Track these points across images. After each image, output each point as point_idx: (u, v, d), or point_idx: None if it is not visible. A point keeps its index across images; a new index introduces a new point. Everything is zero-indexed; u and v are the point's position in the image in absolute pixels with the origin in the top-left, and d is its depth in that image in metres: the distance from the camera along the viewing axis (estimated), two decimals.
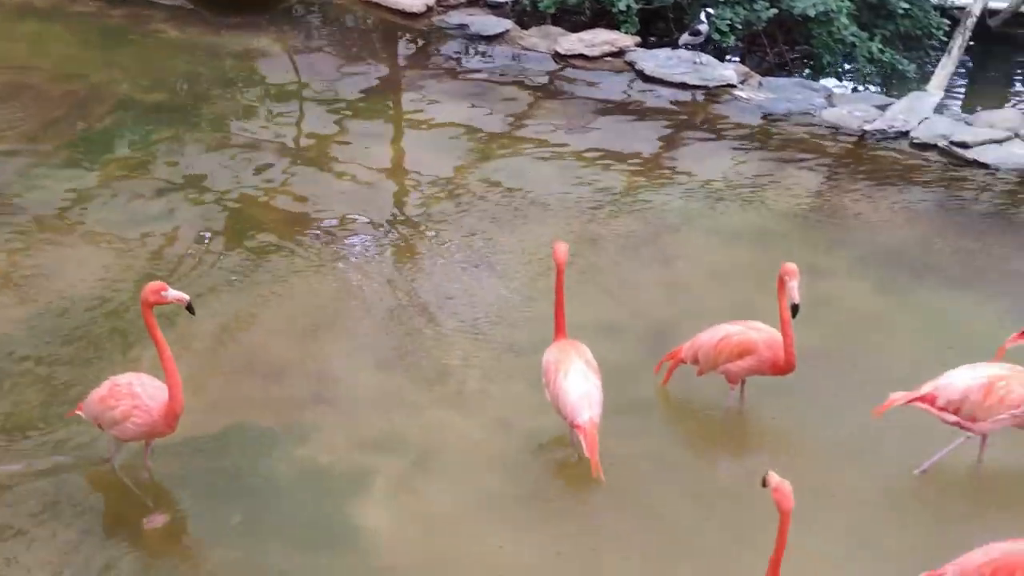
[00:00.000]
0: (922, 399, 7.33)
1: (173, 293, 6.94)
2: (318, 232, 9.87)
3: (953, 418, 7.29)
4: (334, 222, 10.03)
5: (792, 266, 7.42)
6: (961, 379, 7.29)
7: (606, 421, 7.32)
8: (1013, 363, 7.39)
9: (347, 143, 11.30)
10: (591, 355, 7.62)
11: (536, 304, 8.95)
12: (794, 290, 7.37)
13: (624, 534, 7.10)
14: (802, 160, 10.95)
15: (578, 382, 7.40)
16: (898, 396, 7.36)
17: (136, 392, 7.06)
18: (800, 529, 7.04)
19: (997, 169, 10.59)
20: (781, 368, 7.66)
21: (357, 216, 10.11)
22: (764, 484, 6.05)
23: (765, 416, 7.97)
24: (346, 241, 9.81)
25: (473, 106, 11.87)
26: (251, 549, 6.92)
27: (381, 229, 9.98)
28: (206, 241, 9.66)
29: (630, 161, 10.96)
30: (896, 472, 7.48)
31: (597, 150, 11.13)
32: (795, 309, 7.41)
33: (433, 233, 9.89)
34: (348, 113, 11.85)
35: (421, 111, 11.88)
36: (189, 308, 7.01)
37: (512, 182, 10.63)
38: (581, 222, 9.99)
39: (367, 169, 10.85)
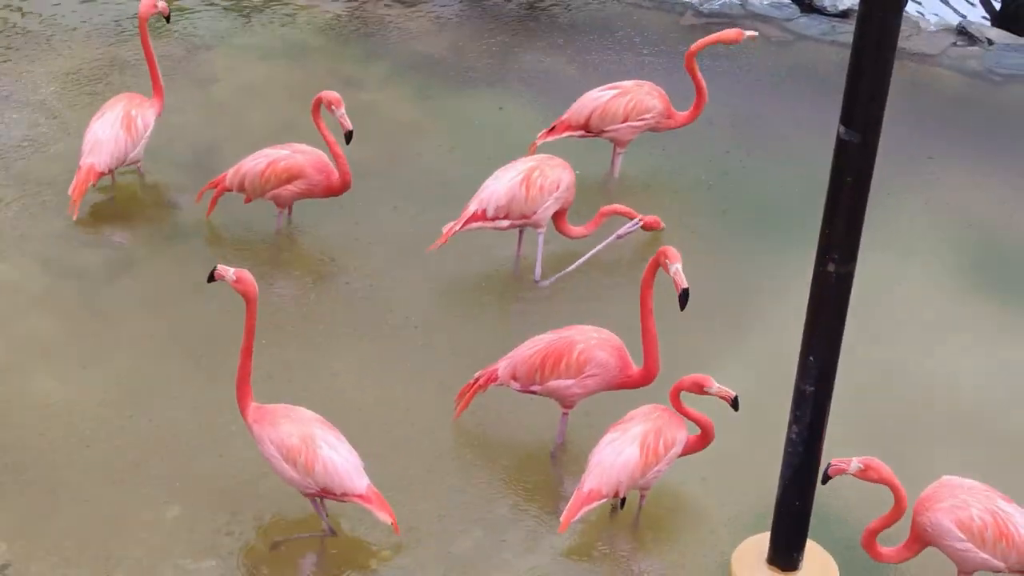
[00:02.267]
0: (473, 218, 7.48)
1: None
2: None
3: (507, 223, 7.50)
4: None
5: (332, 95, 7.40)
6: (501, 184, 7.49)
7: (149, 249, 7.14)
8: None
9: None
10: (148, 114, 7.83)
11: (71, 134, 8.54)
12: (344, 117, 7.35)
13: (167, 356, 7.06)
14: None
15: (100, 128, 7.67)
16: (450, 225, 7.45)
17: None
18: (356, 344, 7.18)
19: None
20: (336, 188, 7.64)
21: None
22: (211, 279, 5.98)
23: (319, 235, 7.94)
24: None
25: None
26: None
27: None
28: None
29: None
30: (453, 276, 7.68)
31: None
32: (349, 136, 7.41)
33: None
34: None
35: None
36: None
37: (18, 5, 9.94)
38: (106, 46, 9.54)
39: None
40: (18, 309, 7.29)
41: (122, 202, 8.09)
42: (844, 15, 10.10)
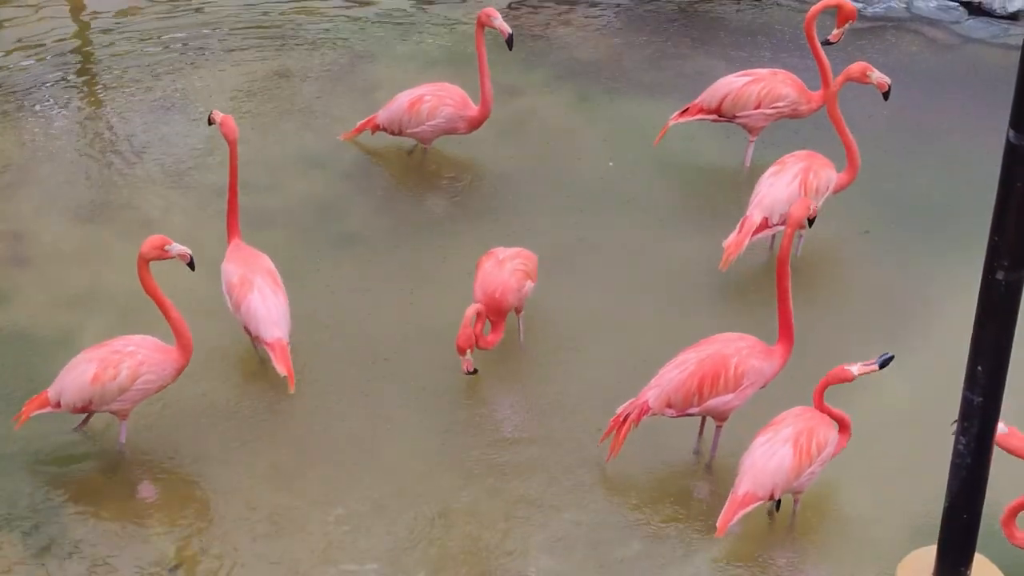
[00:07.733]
0: (759, 228, 7.37)
1: (177, 248, 6.44)
2: None
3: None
4: (8, 67, 9.49)
5: None
6: (780, 190, 7.38)
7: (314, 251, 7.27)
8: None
9: None
10: (444, 111, 8.36)
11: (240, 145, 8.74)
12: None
13: (337, 365, 7.12)
14: None
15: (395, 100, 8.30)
16: (732, 240, 7.33)
17: (131, 351, 6.48)
18: None
19: None
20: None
21: (32, 61, 9.60)
22: (210, 122, 6.84)
23: (478, 233, 8.00)
24: (26, 89, 9.30)
25: None
26: None
27: (63, 74, 9.50)
28: None
29: None
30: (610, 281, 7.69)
31: None
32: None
33: (118, 75, 9.47)
34: None
35: None
36: (190, 264, 6.53)
37: (193, 21, 10.21)
38: (273, 56, 9.73)
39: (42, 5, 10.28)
40: (187, 314, 7.44)
41: (291, 210, 8.26)
42: (1014, 17, 9.85)
